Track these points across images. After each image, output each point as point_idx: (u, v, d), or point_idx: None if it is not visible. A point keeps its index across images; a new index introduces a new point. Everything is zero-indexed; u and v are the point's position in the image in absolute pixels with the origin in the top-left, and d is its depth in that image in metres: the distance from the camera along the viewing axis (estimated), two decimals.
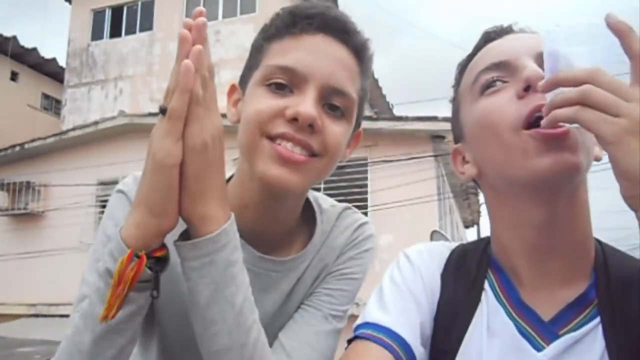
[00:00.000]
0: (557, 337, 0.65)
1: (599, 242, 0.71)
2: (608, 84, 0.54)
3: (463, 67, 0.79)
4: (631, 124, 0.52)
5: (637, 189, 0.54)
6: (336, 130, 0.78)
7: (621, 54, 0.56)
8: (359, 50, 0.82)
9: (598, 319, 0.64)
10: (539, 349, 0.65)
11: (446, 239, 5.57)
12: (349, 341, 0.72)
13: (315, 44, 0.78)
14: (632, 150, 0.52)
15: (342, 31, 0.80)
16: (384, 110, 14.73)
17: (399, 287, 0.75)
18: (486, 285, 0.73)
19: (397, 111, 15.55)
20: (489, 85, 0.69)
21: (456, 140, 0.80)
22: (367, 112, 12.48)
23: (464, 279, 0.75)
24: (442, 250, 0.81)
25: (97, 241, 0.84)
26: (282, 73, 0.77)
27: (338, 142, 0.79)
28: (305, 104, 0.74)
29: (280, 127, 0.75)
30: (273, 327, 0.85)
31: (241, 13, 11.89)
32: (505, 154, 0.65)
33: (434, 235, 5.95)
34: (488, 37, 0.76)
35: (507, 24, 0.77)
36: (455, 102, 0.79)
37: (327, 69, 0.77)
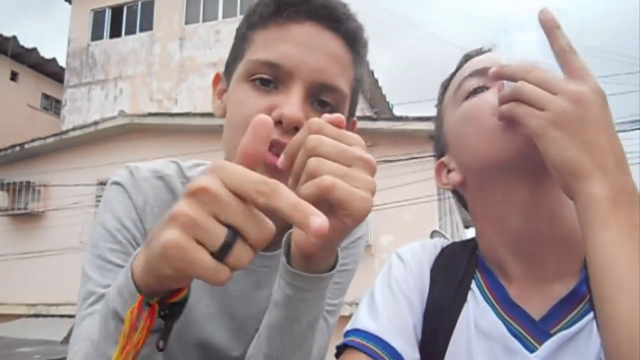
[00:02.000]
0: (549, 336, 0.64)
1: None
2: (538, 78, 0.58)
3: (445, 87, 0.80)
4: (554, 116, 0.56)
5: (565, 178, 0.56)
6: None
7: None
8: (352, 38, 0.76)
9: (591, 315, 0.63)
10: (531, 349, 0.64)
11: (446, 239, 5.57)
12: (338, 347, 0.72)
13: (303, 34, 0.72)
14: (555, 141, 0.56)
15: (332, 19, 0.73)
16: (384, 110, 14.73)
17: (391, 289, 0.74)
18: (473, 285, 0.72)
19: (397, 111, 15.55)
20: (474, 91, 0.71)
21: (439, 156, 0.80)
22: (367, 112, 12.48)
23: (452, 278, 0.74)
24: (435, 244, 0.81)
25: (95, 236, 0.79)
26: (267, 68, 0.71)
27: None
28: (290, 105, 0.68)
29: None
30: None
31: (241, 13, 11.88)
32: (488, 134, 0.66)
33: (434, 235, 5.95)
34: (469, 57, 0.78)
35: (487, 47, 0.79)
36: (439, 118, 0.81)
37: (316, 63, 0.71)
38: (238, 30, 0.80)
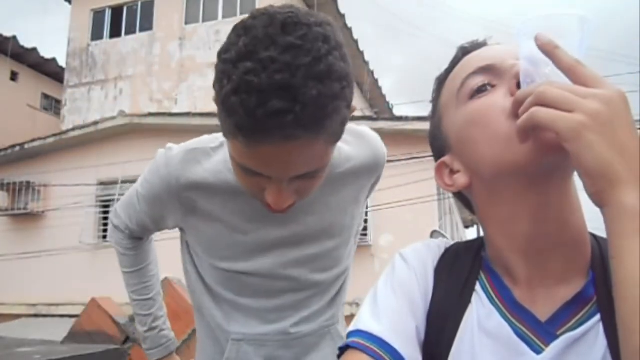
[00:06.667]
0: (555, 337, 0.63)
1: (594, 236, 0.70)
2: (563, 86, 0.55)
3: (442, 80, 0.78)
4: (586, 118, 0.52)
5: (599, 184, 0.53)
6: (313, 183, 0.85)
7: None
8: (330, 129, 0.77)
9: (598, 317, 0.63)
10: (537, 351, 0.64)
11: (446, 239, 5.56)
12: (341, 348, 0.71)
13: (275, 154, 0.75)
14: (589, 145, 0.52)
15: (311, 130, 0.73)
16: (384, 110, 14.73)
17: (394, 290, 0.73)
18: (478, 286, 0.72)
19: (397, 111, 15.55)
20: (478, 89, 0.69)
21: (438, 156, 0.78)
22: (367, 112, 12.47)
23: (456, 279, 0.73)
24: (439, 245, 0.81)
25: (132, 193, 1.10)
26: (251, 167, 0.80)
27: (316, 187, 0.87)
28: (276, 200, 0.82)
29: (264, 199, 0.85)
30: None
31: (241, 13, 11.88)
32: (502, 140, 0.64)
33: (434, 235, 5.96)
34: (465, 51, 0.75)
35: (481, 39, 0.77)
36: (436, 116, 0.78)
37: (292, 171, 0.79)
38: (218, 97, 0.74)
